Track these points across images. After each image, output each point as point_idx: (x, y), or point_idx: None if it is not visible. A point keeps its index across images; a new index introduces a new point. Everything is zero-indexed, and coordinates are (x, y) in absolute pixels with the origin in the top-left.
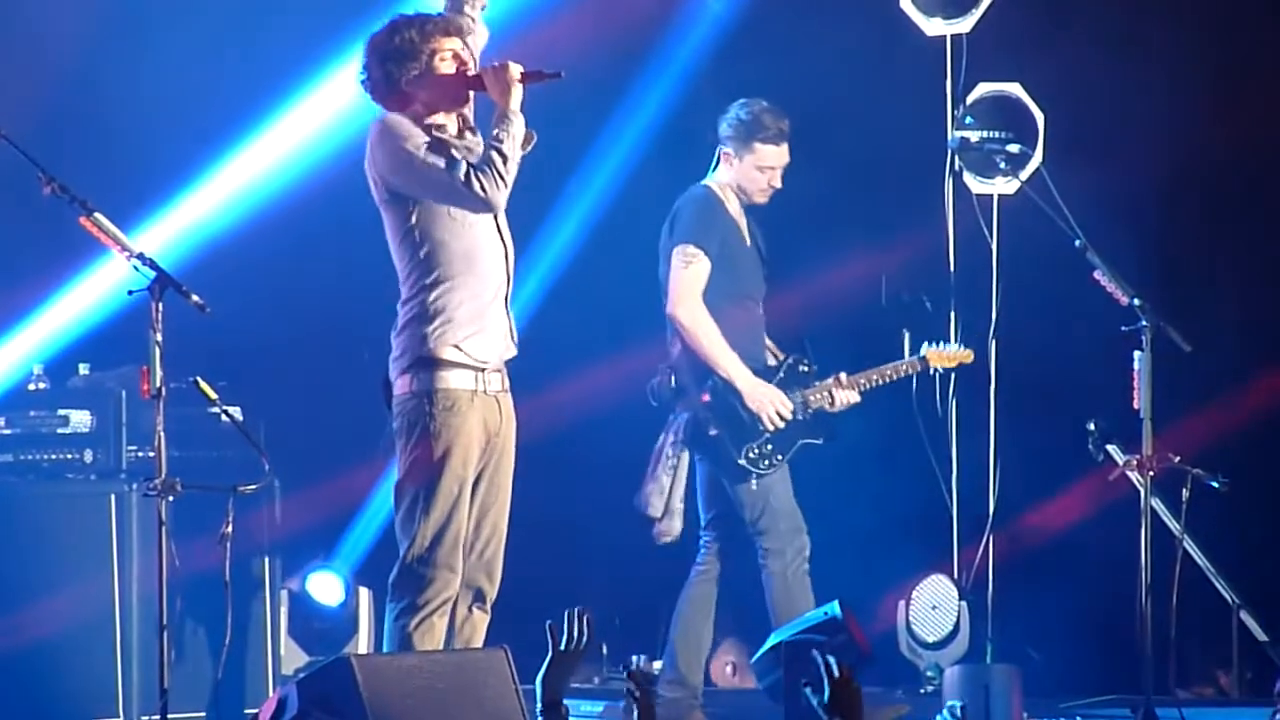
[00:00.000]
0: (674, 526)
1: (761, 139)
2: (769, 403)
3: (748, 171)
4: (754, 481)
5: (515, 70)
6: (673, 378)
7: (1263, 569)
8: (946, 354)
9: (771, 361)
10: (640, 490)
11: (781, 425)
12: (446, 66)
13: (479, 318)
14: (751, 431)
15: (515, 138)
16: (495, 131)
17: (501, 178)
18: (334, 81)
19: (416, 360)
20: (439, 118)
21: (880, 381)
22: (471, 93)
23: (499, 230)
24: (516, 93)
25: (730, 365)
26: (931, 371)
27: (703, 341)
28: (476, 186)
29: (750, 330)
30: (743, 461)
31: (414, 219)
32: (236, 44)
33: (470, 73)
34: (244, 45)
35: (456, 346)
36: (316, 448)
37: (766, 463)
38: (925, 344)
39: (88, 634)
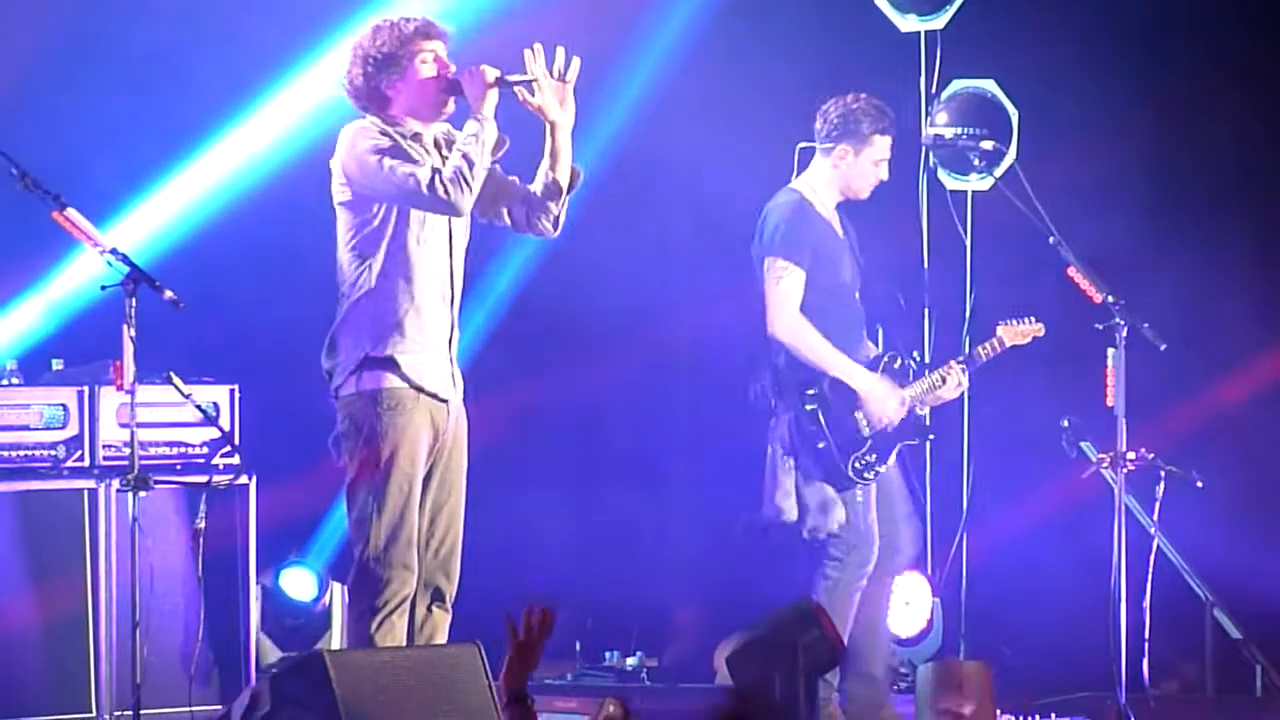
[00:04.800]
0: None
1: (880, 130)
2: (887, 408)
3: (862, 166)
4: (859, 491)
5: (490, 75)
6: (775, 380)
7: (1236, 566)
8: (1020, 329)
9: (872, 354)
10: (767, 501)
11: (895, 423)
12: (427, 69)
13: (420, 335)
14: (857, 440)
15: (485, 143)
16: (465, 136)
17: (467, 183)
18: (308, 72)
19: (361, 361)
20: (416, 124)
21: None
22: (453, 100)
23: (450, 255)
24: (490, 98)
25: (843, 368)
26: (1007, 348)
27: (809, 354)
28: (440, 190)
29: (852, 325)
30: (850, 473)
31: (372, 225)
32: (208, 37)
33: (451, 76)
34: (215, 38)
35: (398, 358)
36: (291, 443)
37: (871, 472)
38: (1000, 323)
39: (61, 629)
